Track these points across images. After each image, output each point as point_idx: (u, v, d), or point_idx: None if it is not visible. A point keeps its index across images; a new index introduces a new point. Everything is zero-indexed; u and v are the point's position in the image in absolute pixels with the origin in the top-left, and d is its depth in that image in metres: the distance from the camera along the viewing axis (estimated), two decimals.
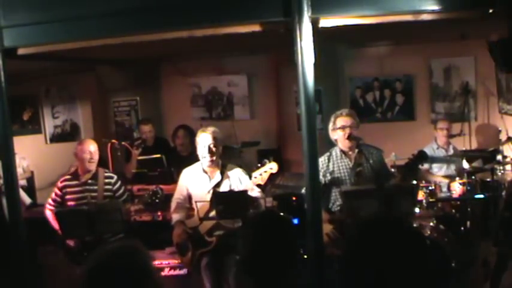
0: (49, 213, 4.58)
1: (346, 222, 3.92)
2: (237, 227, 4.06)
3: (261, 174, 4.12)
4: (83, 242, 4.33)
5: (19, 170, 6.79)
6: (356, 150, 4.16)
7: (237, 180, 4.33)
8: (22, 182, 6.68)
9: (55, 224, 4.39)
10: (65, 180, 4.65)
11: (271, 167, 4.12)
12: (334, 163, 4.23)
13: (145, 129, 6.41)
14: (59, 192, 4.60)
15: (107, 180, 4.65)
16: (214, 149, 4.25)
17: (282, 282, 2.09)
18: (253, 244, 2.13)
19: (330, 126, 4.26)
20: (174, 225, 4.36)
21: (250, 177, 4.22)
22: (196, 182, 4.37)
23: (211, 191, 4.28)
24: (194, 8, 3.45)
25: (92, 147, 4.63)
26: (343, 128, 4.17)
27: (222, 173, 4.33)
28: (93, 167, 4.62)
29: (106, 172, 4.75)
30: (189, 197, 4.40)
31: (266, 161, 4.16)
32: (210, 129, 4.34)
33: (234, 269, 4.01)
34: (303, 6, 3.17)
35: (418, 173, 5.47)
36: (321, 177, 4.13)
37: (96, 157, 4.64)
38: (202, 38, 3.76)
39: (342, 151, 4.24)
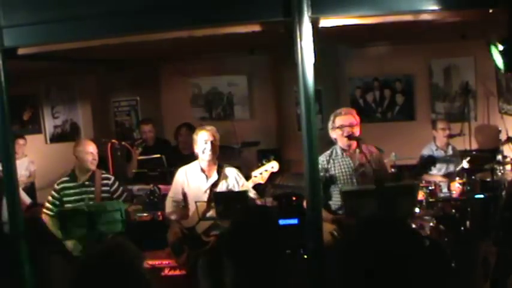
0: (47, 218, 4.52)
1: (346, 223, 3.92)
2: None
3: (261, 173, 4.11)
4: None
5: (25, 173, 6.81)
6: (357, 150, 4.16)
7: (234, 180, 4.33)
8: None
9: (53, 229, 4.37)
10: (62, 182, 4.60)
11: (272, 165, 4.11)
12: (334, 162, 4.23)
13: (146, 129, 6.41)
14: (56, 195, 4.55)
15: (104, 182, 4.62)
16: (214, 145, 4.26)
17: (263, 273, 2.07)
18: (232, 227, 2.20)
19: (330, 125, 4.28)
20: (169, 225, 4.34)
21: (249, 177, 4.21)
22: (193, 181, 4.36)
23: (208, 191, 4.27)
24: (194, 8, 3.44)
25: (92, 148, 4.61)
26: (341, 127, 4.18)
27: (219, 173, 4.32)
28: (94, 167, 4.60)
29: (103, 173, 4.71)
30: (184, 196, 4.39)
31: (266, 160, 4.15)
32: (209, 127, 4.37)
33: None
34: (303, 6, 3.17)
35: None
36: (321, 174, 4.14)
37: (97, 157, 4.62)
38: (202, 38, 3.76)
39: (343, 149, 4.24)
